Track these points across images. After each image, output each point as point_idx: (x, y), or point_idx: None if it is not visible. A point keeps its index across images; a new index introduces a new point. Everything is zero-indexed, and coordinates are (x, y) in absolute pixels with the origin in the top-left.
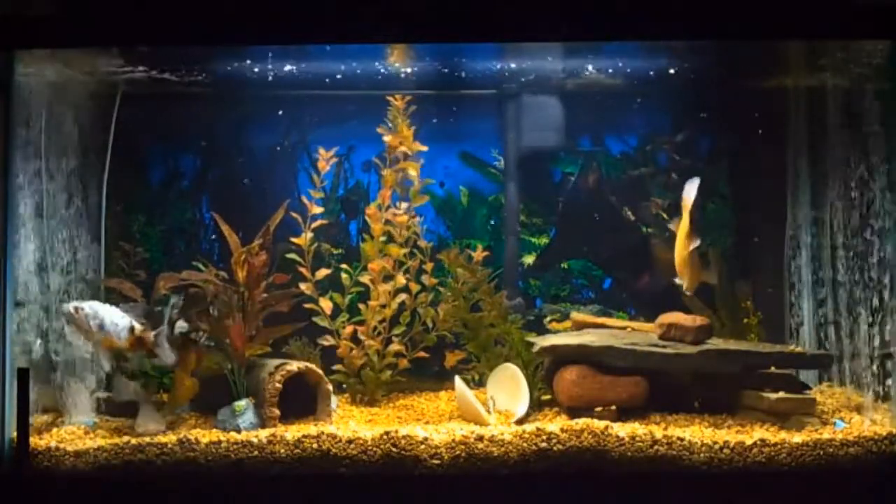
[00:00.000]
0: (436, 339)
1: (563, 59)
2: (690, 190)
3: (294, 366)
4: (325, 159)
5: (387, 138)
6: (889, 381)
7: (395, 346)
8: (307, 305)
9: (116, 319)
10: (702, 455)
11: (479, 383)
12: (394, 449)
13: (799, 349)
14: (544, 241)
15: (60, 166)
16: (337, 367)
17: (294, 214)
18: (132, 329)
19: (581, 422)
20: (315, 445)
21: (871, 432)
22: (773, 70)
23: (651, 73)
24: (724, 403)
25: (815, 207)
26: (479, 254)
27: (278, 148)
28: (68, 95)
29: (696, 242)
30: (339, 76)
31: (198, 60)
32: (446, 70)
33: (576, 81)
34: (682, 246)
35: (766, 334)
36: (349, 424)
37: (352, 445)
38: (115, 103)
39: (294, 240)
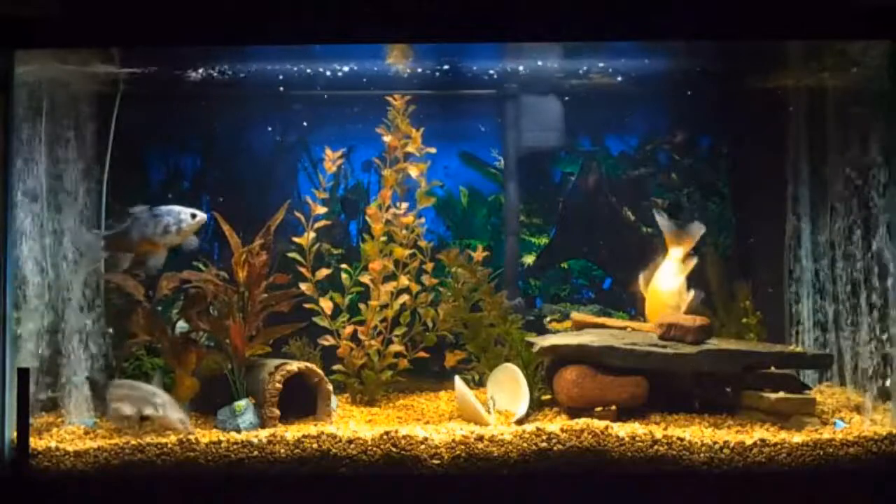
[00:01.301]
0: (436, 339)
1: (564, 59)
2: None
3: (294, 366)
4: (332, 160)
5: (386, 138)
6: (889, 381)
7: (395, 346)
8: (308, 305)
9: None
10: (702, 455)
11: (479, 383)
12: (394, 449)
13: (799, 349)
14: (544, 241)
15: (61, 166)
16: (337, 367)
17: (297, 214)
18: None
19: (581, 422)
20: (315, 445)
21: (871, 432)
22: (773, 69)
23: (651, 72)
24: (725, 403)
25: (815, 206)
26: (479, 254)
27: (278, 141)
28: (68, 94)
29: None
30: (338, 76)
31: (198, 60)
32: (446, 70)
33: (576, 81)
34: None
35: (766, 334)
36: (349, 424)
37: (352, 445)
38: (115, 102)
39: (296, 239)
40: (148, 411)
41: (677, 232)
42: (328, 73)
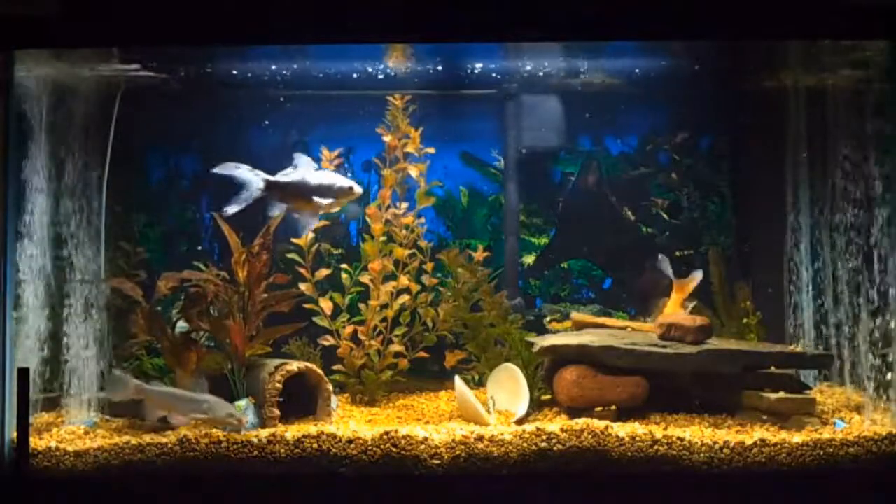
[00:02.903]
0: (436, 339)
1: (564, 59)
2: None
3: (294, 366)
4: (329, 160)
5: (386, 138)
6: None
7: (395, 347)
8: (307, 305)
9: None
10: (702, 455)
11: (479, 383)
12: (394, 449)
13: (799, 349)
14: (544, 241)
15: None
16: (337, 367)
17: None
18: None
19: (581, 422)
20: (315, 445)
21: (871, 432)
22: (772, 69)
23: (650, 72)
24: (725, 403)
25: (814, 206)
26: (479, 254)
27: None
28: (68, 94)
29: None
30: (338, 76)
31: (200, 59)
32: (446, 70)
33: (576, 81)
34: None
35: (766, 334)
36: (349, 424)
37: (352, 445)
38: (115, 102)
39: (295, 240)
40: (198, 416)
41: (679, 281)
42: (329, 72)
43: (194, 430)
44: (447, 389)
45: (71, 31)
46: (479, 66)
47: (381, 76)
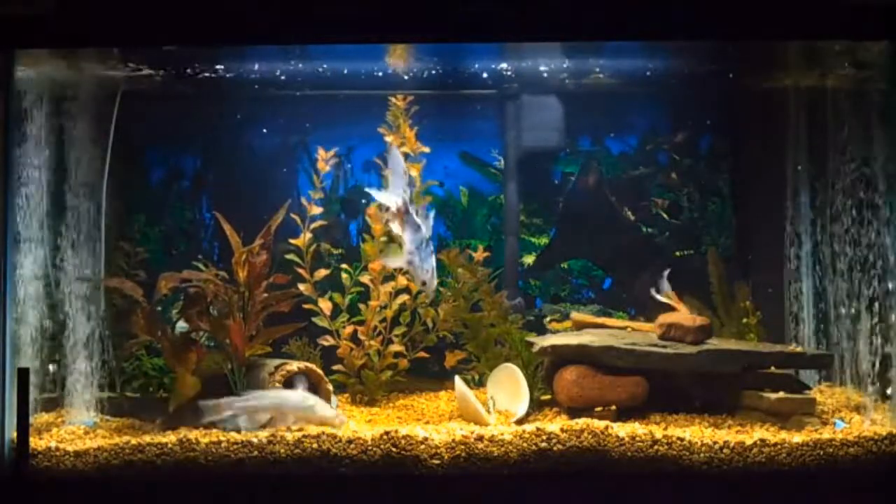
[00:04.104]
0: (436, 339)
1: (565, 59)
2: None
3: (294, 366)
4: (325, 160)
5: (388, 138)
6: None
7: (395, 347)
8: (307, 306)
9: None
10: (702, 455)
11: (479, 383)
12: (394, 449)
13: (799, 349)
14: (544, 241)
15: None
16: (337, 367)
17: (294, 215)
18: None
19: (581, 422)
20: (315, 445)
21: (871, 432)
22: (772, 69)
23: (650, 72)
24: (725, 403)
25: (814, 206)
26: (479, 254)
27: (280, 149)
28: (67, 94)
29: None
30: (338, 76)
31: (199, 60)
32: (446, 70)
33: (576, 81)
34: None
35: (766, 334)
36: (349, 424)
37: (352, 445)
38: (115, 102)
39: (293, 241)
40: (305, 418)
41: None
42: (330, 72)
43: (195, 431)
44: (447, 389)
45: (71, 31)
46: (478, 66)
47: (380, 76)
